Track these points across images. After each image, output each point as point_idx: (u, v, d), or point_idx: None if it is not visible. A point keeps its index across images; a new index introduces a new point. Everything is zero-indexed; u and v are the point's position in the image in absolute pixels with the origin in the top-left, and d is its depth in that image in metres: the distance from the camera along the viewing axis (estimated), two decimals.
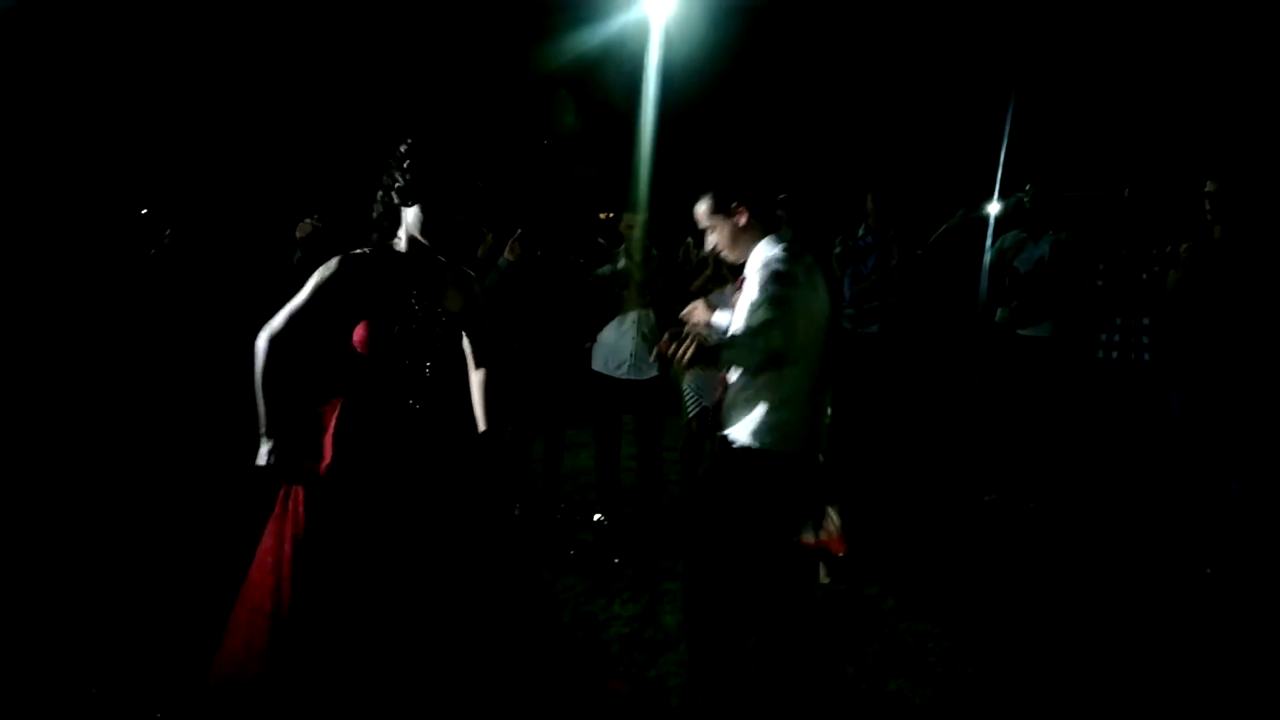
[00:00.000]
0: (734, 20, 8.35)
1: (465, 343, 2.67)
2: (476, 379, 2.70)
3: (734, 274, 2.92)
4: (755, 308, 2.46)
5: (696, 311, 2.93)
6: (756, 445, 2.53)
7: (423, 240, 2.45)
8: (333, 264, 2.42)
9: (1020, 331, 4.88)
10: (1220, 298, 3.75)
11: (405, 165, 2.41)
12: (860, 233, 5.03)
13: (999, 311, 4.99)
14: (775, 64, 10.36)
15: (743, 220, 2.60)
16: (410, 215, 2.43)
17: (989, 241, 5.05)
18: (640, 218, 4.21)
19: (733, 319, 2.60)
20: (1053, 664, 3.18)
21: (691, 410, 4.16)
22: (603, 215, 4.68)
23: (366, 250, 2.47)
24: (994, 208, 5.13)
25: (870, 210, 5.03)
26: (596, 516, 4.44)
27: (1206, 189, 3.78)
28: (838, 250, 5.06)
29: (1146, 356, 4.27)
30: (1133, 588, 3.78)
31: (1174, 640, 3.34)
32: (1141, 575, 3.88)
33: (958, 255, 5.07)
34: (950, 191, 5.47)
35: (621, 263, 4.21)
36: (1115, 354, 4.38)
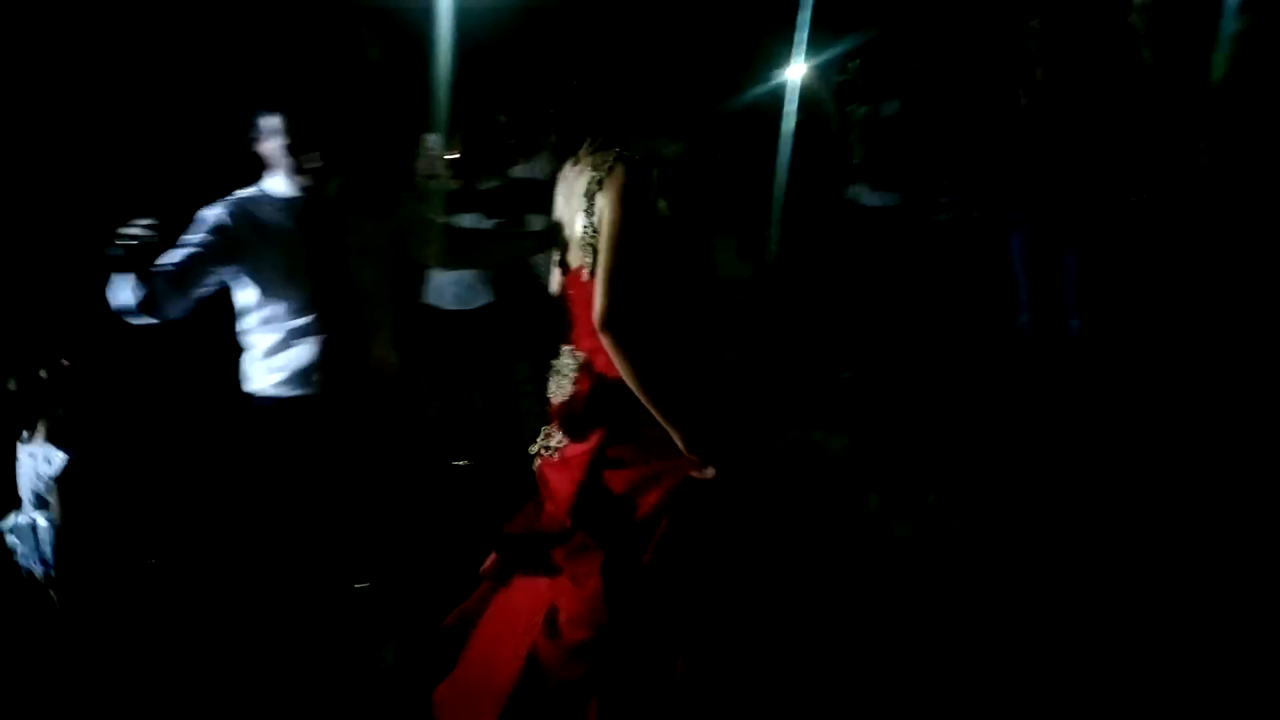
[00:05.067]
0: None
1: None
2: None
3: None
4: None
5: None
6: None
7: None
8: None
9: (869, 204, 4.88)
10: (1043, 141, 3.80)
11: None
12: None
13: (849, 187, 4.98)
14: None
15: None
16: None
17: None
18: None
19: None
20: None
21: None
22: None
23: None
24: (792, 72, 5.02)
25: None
26: (459, 462, 4.19)
27: (1031, 25, 3.78)
28: None
29: (975, 214, 4.33)
30: (993, 428, 3.86)
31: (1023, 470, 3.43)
32: (999, 416, 3.96)
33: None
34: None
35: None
36: (948, 215, 4.43)
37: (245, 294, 2.40)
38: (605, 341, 1.87)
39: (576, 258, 1.99)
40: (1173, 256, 3.74)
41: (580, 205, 1.94)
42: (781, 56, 5.10)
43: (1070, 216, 3.81)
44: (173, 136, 4.21)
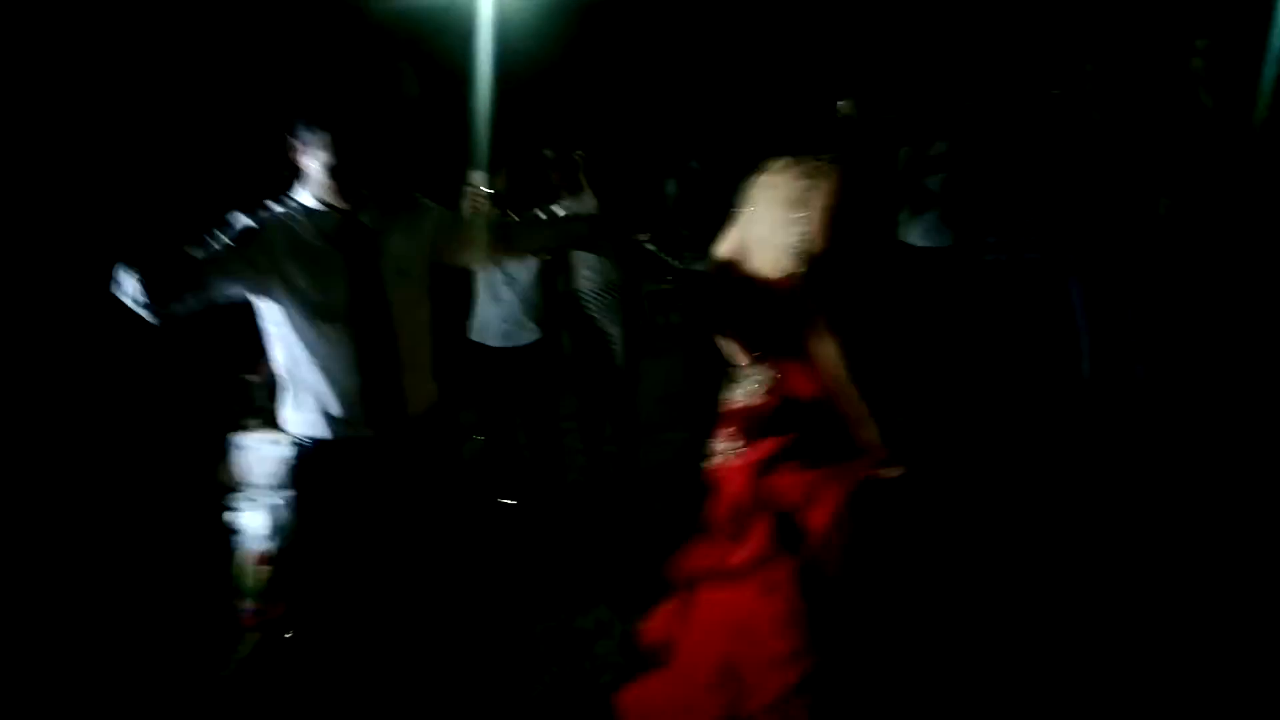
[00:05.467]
0: None
1: None
2: None
3: None
4: None
5: None
6: None
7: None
8: None
9: (920, 244, 4.81)
10: (1104, 182, 3.73)
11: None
12: (694, 165, 4.78)
13: (901, 228, 4.91)
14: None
15: None
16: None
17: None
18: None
19: None
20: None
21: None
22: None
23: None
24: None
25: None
26: (504, 500, 4.12)
27: (1086, 68, 3.75)
28: (672, 186, 4.79)
29: (1033, 256, 4.25)
30: (1057, 480, 3.74)
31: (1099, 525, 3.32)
32: (1065, 467, 3.85)
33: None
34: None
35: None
36: (1004, 257, 4.35)
37: (277, 324, 2.22)
38: (824, 344, 1.87)
39: (777, 266, 1.96)
40: (1233, 303, 3.65)
41: (789, 211, 1.93)
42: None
43: (1129, 260, 3.74)
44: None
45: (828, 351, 1.88)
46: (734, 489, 2.03)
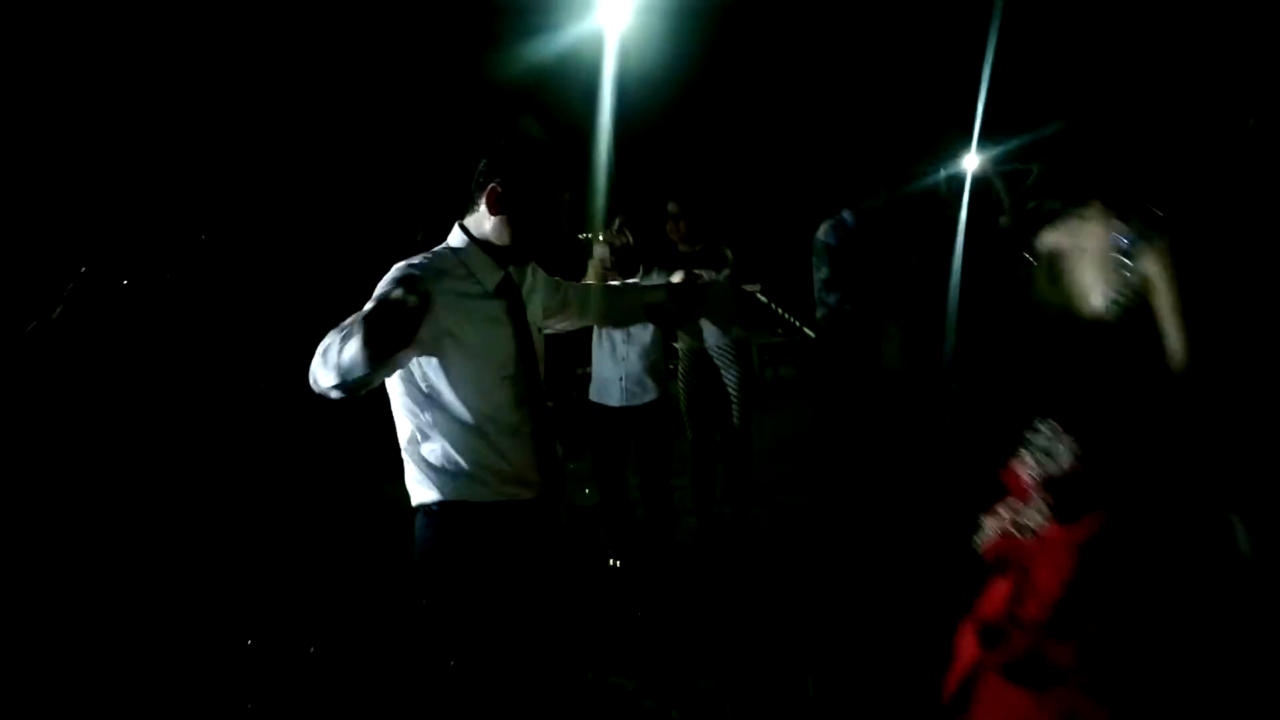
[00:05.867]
0: (694, 30, 7.95)
1: None
2: None
3: None
4: None
5: None
6: None
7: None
8: None
9: None
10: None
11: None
12: (848, 217, 4.50)
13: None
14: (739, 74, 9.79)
15: None
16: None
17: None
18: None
19: None
20: None
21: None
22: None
23: None
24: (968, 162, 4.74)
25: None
26: (611, 561, 4.01)
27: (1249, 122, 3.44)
28: (828, 236, 4.52)
29: None
30: None
31: None
32: None
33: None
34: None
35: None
36: None
37: (433, 388, 2.00)
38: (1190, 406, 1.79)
39: (1094, 317, 1.91)
40: None
41: (1103, 266, 1.88)
42: (957, 147, 4.89)
43: None
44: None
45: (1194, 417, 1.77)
46: (1047, 573, 1.80)
